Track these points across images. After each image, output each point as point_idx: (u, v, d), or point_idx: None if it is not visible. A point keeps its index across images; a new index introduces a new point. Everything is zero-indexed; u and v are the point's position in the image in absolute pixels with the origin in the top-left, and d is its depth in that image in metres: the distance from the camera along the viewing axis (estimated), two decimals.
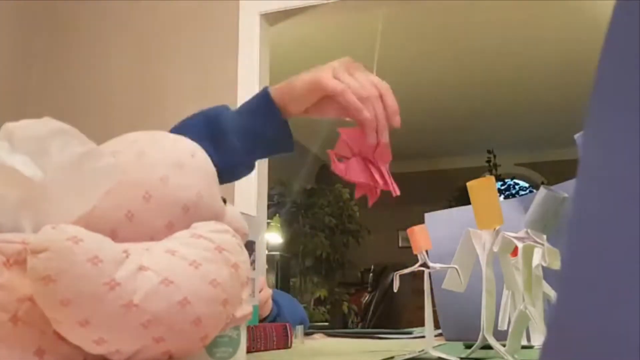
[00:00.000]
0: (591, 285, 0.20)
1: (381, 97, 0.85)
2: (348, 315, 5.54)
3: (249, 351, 0.62)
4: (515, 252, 0.69)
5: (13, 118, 0.39)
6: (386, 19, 4.17)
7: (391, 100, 0.86)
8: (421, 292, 0.72)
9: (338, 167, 0.81)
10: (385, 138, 0.84)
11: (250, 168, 0.97)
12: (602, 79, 0.20)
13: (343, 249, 5.94)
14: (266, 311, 1.13)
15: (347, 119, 0.84)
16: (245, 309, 0.43)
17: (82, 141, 0.38)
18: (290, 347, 0.83)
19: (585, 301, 0.20)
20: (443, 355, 0.68)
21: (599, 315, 0.20)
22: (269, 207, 3.85)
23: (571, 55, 4.63)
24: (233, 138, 0.88)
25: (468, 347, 0.77)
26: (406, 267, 0.74)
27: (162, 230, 0.39)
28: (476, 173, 6.11)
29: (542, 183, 5.79)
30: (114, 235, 0.38)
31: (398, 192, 0.86)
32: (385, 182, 0.83)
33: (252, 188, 2.37)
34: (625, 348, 0.19)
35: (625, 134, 0.19)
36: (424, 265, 0.72)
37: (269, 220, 4.75)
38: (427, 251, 0.73)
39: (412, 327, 1.77)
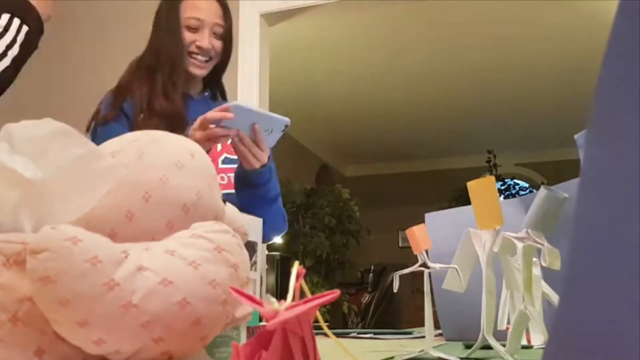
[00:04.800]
0: (593, 285, 0.20)
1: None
2: (348, 315, 5.54)
3: None
4: None
5: (13, 118, 0.39)
6: (386, 19, 4.17)
7: None
8: (421, 292, 0.72)
9: None
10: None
11: None
12: (605, 79, 0.20)
13: (343, 249, 5.94)
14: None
15: None
16: (245, 309, 0.43)
17: (82, 142, 0.38)
18: None
19: (588, 301, 0.20)
20: (443, 355, 0.68)
21: (601, 315, 0.20)
22: None
23: (572, 55, 4.63)
24: None
25: (468, 347, 0.77)
26: (406, 267, 0.74)
27: (162, 230, 0.39)
28: (476, 173, 6.11)
29: (542, 183, 5.79)
30: (114, 236, 0.38)
31: None
32: None
33: None
34: (627, 348, 0.19)
35: (628, 134, 0.19)
36: (424, 265, 0.72)
37: None
38: (427, 251, 0.73)
39: (412, 327, 1.77)
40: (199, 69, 1.39)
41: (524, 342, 0.82)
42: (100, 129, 1.35)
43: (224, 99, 1.54)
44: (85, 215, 0.38)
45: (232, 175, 1.32)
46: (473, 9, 4.05)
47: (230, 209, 0.47)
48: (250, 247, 0.59)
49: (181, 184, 0.41)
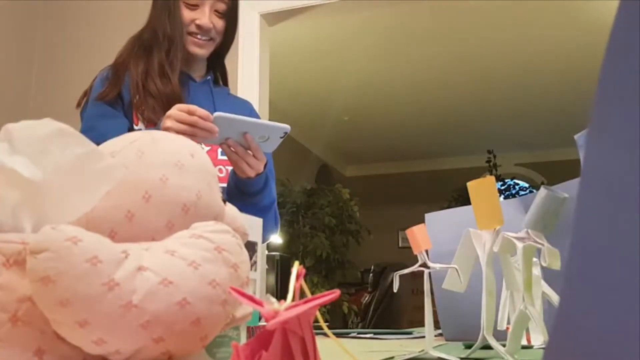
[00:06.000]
0: (593, 285, 0.20)
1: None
2: (348, 315, 5.54)
3: None
4: None
5: (13, 118, 0.39)
6: (386, 19, 4.17)
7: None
8: (421, 292, 0.72)
9: None
10: None
11: None
12: (605, 79, 0.20)
13: (343, 249, 5.94)
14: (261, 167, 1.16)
15: None
16: (245, 309, 0.43)
17: (82, 142, 0.38)
18: None
19: (588, 301, 0.20)
20: (443, 355, 0.68)
21: (601, 315, 0.20)
22: None
23: (572, 55, 4.63)
24: None
25: (468, 347, 0.77)
26: (406, 267, 0.74)
27: (162, 230, 0.39)
28: (476, 173, 6.12)
29: (542, 183, 5.79)
30: (114, 236, 0.38)
31: None
32: None
33: None
34: (627, 348, 0.19)
35: (628, 134, 0.19)
36: (424, 265, 0.72)
37: None
38: (427, 251, 0.73)
39: (412, 327, 1.77)
40: (199, 47, 1.33)
41: (524, 342, 0.82)
42: (94, 103, 1.27)
43: (225, 83, 1.49)
44: (85, 215, 0.38)
45: (230, 167, 1.24)
46: (474, 10, 4.05)
47: (230, 209, 0.47)
48: (250, 247, 0.59)
49: (181, 184, 0.41)
